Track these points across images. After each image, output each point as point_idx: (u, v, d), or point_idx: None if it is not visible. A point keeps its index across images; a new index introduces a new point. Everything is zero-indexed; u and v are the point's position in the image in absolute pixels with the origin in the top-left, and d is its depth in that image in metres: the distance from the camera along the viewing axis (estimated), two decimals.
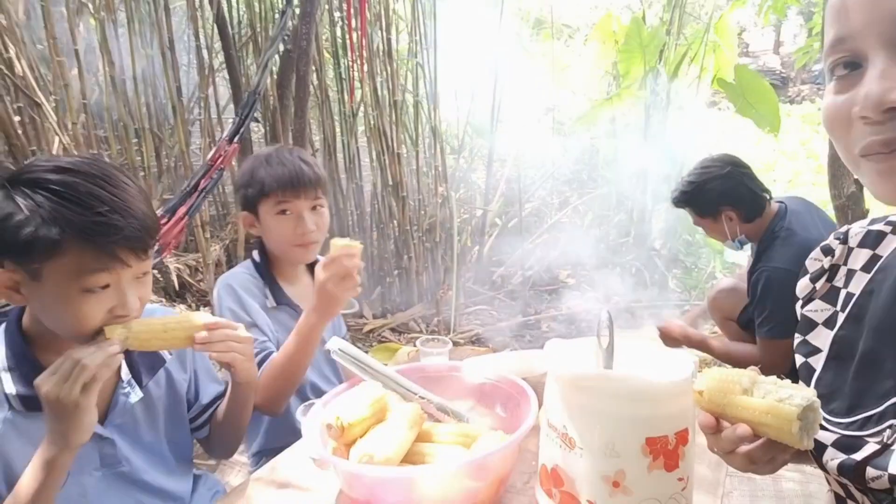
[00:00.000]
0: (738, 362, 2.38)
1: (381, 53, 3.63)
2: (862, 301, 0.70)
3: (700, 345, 2.29)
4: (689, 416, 0.78)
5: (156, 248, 2.15)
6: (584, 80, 5.01)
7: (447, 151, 4.20)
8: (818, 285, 0.76)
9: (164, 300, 3.33)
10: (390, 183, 3.80)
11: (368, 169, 3.98)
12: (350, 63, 3.64)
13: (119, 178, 0.97)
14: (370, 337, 3.58)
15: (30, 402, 0.97)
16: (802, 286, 0.78)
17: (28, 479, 0.90)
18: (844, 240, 0.76)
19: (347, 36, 3.55)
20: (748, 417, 0.64)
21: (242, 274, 1.54)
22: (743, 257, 2.66)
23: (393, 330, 3.68)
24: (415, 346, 1.46)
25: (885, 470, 0.58)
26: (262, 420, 1.54)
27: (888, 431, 0.61)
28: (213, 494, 1.27)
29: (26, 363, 0.99)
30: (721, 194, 2.11)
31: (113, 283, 0.95)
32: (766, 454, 0.66)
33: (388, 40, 3.62)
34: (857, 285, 0.71)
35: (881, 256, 0.70)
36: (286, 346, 1.35)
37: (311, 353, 1.35)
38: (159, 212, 2.28)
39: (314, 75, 3.62)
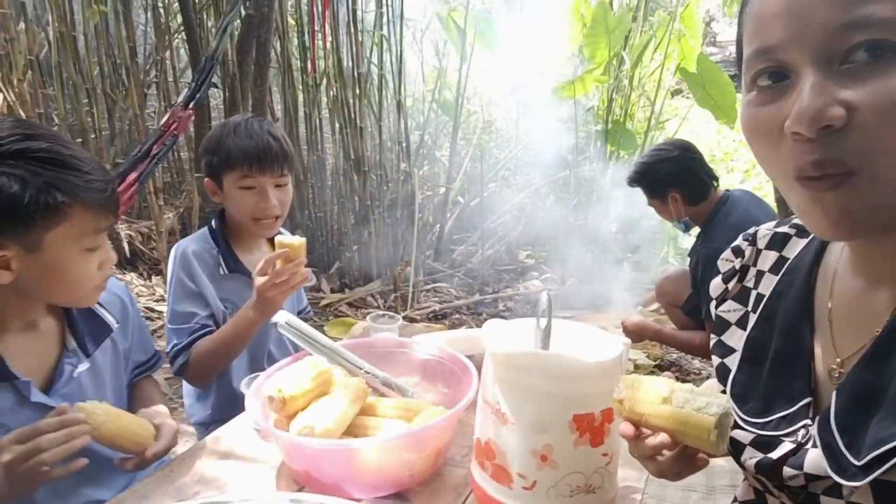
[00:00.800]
0: (686, 347, 2.53)
1: (346, 24, 3.57)
2: (771, 303, 0.71)
3: (655, 335, 2.47)
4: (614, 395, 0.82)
5: None
6: (551, 60, 5.02)
7: (412, 127, 4.17)
8: (730, 286, 0.78)
9: (114, 267, 3.25)
10: (352, 157, 3.77)
11: (330, 141, 3.93)
12: (313, 32, 3.56)
13: (68, 142, 1.01)
14: (327, 311, 3.58)
15: None
16: (715, 286, 0.80)
17: None
18: (753, 241, 0.77)
19: (311, 5, 3.47)
20: (666, 426, 0.67)
21: (197, 241, 1.52)
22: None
23: (350, 304, 3.68)
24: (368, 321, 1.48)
25: (801, 469, 0.60)
26: (210, 391, 1.54)
27: (802, 431, 0.62)
28: (158, 463, 1.27)
29: None
30: (669, 175, 2.23)
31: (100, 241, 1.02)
32: (678, 464, 0.70)
33: (354, 11, 3.55)
34: (767, 287, 0.73)
35: (788, 258, 0.72)
36: (223, 331, 1.38)
37: (245, 343, 1.40)
38: None
39: (277, 43, 3.54)
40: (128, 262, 3.36)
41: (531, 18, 4.37)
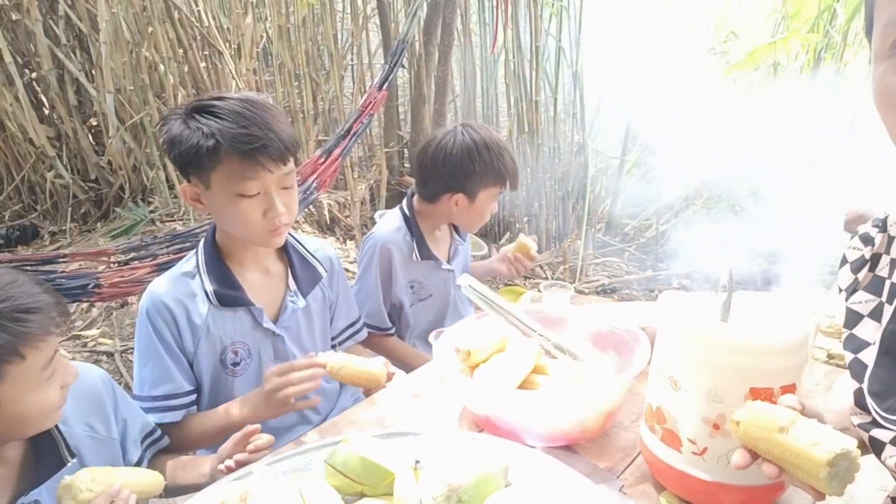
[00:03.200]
0: None
1: None
2: None
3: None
4: (798, 372, 0.81)
5: (314, 184, 2.42)
6: (749, 19, 4.56)
7: (587, 99, 4.10)
8: (860, 276, 0.72)
9: (316, 231, 3.71)
10: (526, 130, 3.83)
11: (505, 115, 4.02)
12: (494, 7, 3.64)
13: (265, 103, 1.20)
14: (497, 279, 3.73)
15: (222, 298, 1.25)
16: (844, 277, 0.75)
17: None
18: (884, 228, 0.71)
19: None
20: (779, 455, 0.65)
21: (395, 231, 1.71)
22: None
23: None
24: (539, 290, 1.57)
25: None
26: None
27: None
28: (355, 400, 1.50)
29: (218, 268, 1.27)
30: None
31: (263, 191, 1.18)
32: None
33: None
34: None
35: None
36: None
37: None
38: (317, 153, 2.55)
39: (458, 20, 3.69)
40: (328, 228, 3.82)
41: None
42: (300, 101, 3.72)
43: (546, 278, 3.77)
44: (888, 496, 0.76)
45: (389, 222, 1.74)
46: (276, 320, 1.33)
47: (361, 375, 1.20)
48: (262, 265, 1.34)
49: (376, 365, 1.22)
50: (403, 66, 3.38)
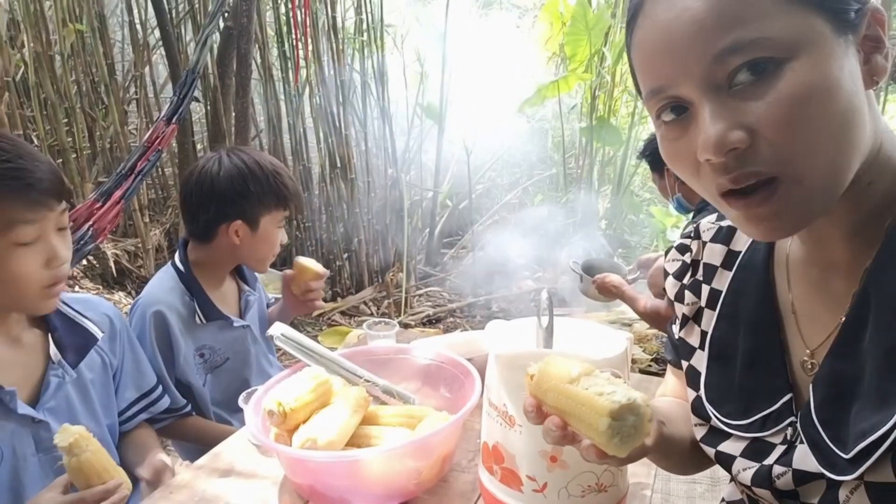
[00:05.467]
0: (649, 315, 2.47)
1: (326, 32, 3.55)
2: (731, 300, 0.68)
3: (631, 301, 2.39)
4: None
5: (89, 232, 2.06)
6: (533, 61, 5.03)
7: (396, 132, 4.16)
8: (685, 280, 0.75)
9: (101, 287, 3.20)
10: (338, 165, 3.74)
11: (316, 150, 3.90)
12: (294, 41, 3.54)
13: (14, 137, 1.02)
14: (320, 321, 3.55)
15: None
16: (671, 286, 0.77)
17: None
18: (697, 236, 0.75)
19: (291, 13, 3.45)
20: (563, 407, 0.60)
21: (168, 294, 1.41)
22: None
23: (343, 313, 3.66)
24: (363, 328, 1.46)
25: (790, 466, 0.57)
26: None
27: (790, 430, 0.60)
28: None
29: None
30: None
31: (41, 235, 0.97)
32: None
33: (334, 18, 3.53)
34: (721, 283, 0.70)
35: (738, 252, 0.70)
36: (203, 433, 1.39)
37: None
38: (93, 196, 2.18)
39: (257, 53, 3.51)
40: (115, 282, 3.31)
41: (511, 20, 4.37)
42: (70, 138, 3.21)
43: (371, 314, 3.68)
44: (722, 498, 0.78)
45: (160, 282, 1.44)
46: (35, 403, 1.04)
47: (102, 475, 0.94)
48: (9, 335, 1.04)
49: (119, 469, 0.98)
50: (197, 100, 3.10)
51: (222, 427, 1.43)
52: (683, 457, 0.75)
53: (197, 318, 1.41)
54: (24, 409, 1.01)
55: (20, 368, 1.05)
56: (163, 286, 1.42)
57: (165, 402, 1.30)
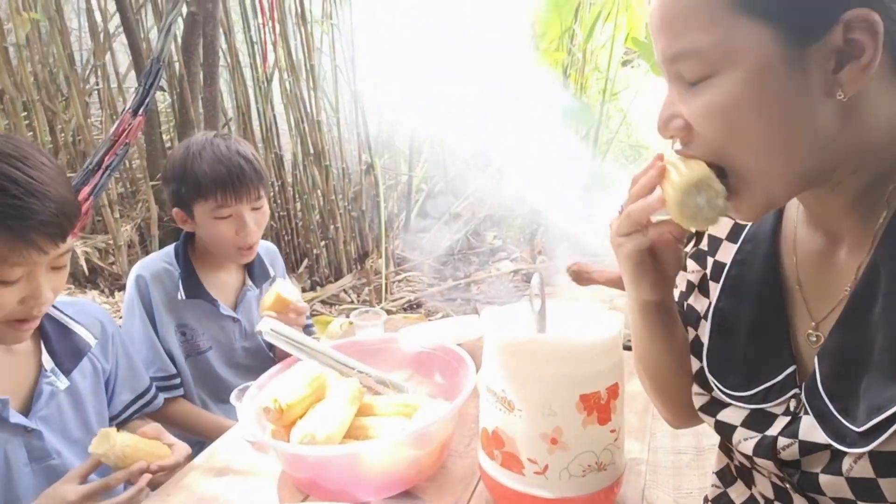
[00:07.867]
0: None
1: (294, 15, 3.46)
2: (735, 272, 0.69)
3: (615, 282, 2.39)
4: (618, 371, 0.82)
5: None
6: (505, 39, 5.00)
7: (368, 117, 4.10)
8: (688, 248, 0.77)
9: (72, 286, 3.11)
10: (311, 152, 3.68)
11: (287, 137, 3.83)
12: (261, 26, 3.44)
13: (36, 158, 0.91)
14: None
15: None
16: None
17: None
18: None
19: None
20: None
21: (158, 262, 1.44)
22: None
23: (323, 302, 3.63)
24: (347, 318, 1.45)
25: (796, 437, 0.58)
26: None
27: (793, 401, 0.60)
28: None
29: None
30: None
31: (29, 274, 0.91)
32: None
33: (301, 1, 3.44)
34: (726, 255, 0.71)
35: (744, 225, 0.70)
36: (199, 426, 1.41)
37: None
38: None
39: (223, 39, 3.41)
40: (87, 280, 3.22)
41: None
42: (31, 133, 3.09)
43: (352, 301, 3.66)
44: (705, 496, 0.80)
45: (157, 253, 1.49)
46: (27, 412, 1.02)
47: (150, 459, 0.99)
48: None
49: (162, 445, 1.02)
50: (163, 89, 3.00)
51: (217, 420, 1.42)
52: (679, 354, 0.76)
53: (179, 294, 1.41)
54: (16, 417, 0.99)
55: (12, 376, 1.02)
56: (157, 255, 1.46)
57: (159, 402, 1.29)
